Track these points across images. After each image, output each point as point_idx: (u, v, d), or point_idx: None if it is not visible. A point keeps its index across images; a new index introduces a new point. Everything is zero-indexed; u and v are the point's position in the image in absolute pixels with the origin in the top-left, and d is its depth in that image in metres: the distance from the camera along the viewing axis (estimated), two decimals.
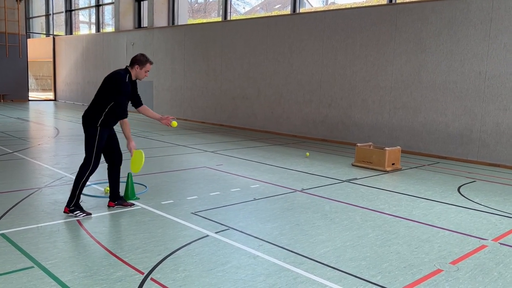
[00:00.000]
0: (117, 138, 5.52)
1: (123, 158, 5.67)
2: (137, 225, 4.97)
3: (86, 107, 5.36)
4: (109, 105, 5.17)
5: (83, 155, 5.27)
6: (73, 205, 5.16)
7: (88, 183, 5.69)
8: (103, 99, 5.19)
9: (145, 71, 5.37)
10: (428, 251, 4.46)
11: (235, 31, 15.07)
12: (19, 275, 3.63)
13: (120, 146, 5.58)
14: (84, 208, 5.30)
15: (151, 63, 5.38)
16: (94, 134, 5.16)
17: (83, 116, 5.29)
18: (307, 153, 9.85)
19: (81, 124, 5.32)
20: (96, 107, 5.20)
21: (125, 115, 5.34)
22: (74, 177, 5.25)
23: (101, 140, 5.21)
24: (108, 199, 5.71)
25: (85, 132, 5.24)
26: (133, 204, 5.71)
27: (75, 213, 5.14)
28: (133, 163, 5.60)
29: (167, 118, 5.49)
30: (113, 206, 5.59)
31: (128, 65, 5.38)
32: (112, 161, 5.51)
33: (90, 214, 5.22)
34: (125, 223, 5.06)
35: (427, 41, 10.41)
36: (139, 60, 5.31)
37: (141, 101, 5.60)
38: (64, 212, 5.18)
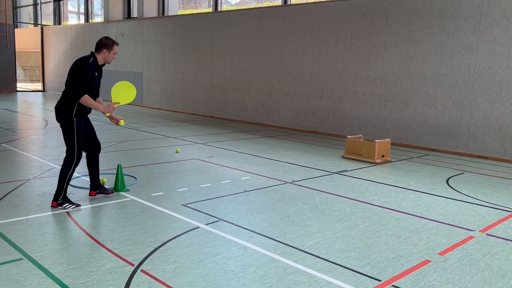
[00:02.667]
0: (93, 127, 5.49)
1: (102, 147, 5.61)
2: (127, 216, 4.95)
3: (58, 99, 5.24)
4: (79, 91, 5.05)
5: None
6: (61, 198, 5.12)
7: (76, 174, 5.66)
8: (73, 88, 5.06)
9: (113, 53, 5.31)
10: (417, 242, 4.51)
11: (226, 22, 14.99)
12: (8, 267, 3.60)
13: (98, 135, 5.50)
14: (73, 200, 5.28)
15: (117, 44, 5.34)
16: (71, 126, 5.09)
17: (56, 108, 5.18)
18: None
19: (55, 117, 5.21)
20: (68, 97, 5.09)
21: (81, 93, 5.02)
22: (58, 175, 5.19)
23: (79, 130, 5.14)
24: (108, 189, 5.73)
25: (61, 125, 5.17)
26: (114, 192, 5.72)
27: (63, 205, 5.11)
28: (123, 99, 5.42)
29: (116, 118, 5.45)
30: (95, 195, 5.59)
31: (93, 50, 5.27)
32: (90, 150, 5.49)
33: (79, 205, 5.20)
34: (115, 215, 5.04)
35: (418, 34, 10.44)
36: (106, 44, 5.23)
37: (99, 92, 5.48)
38: (52, 206, 5.12)
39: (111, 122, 5.67)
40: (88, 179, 6.23)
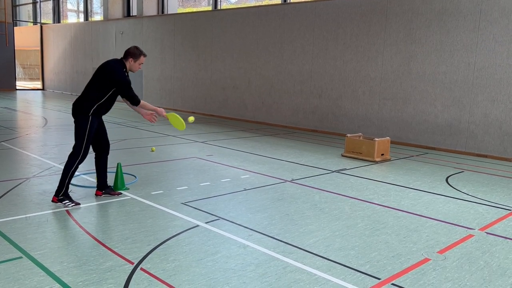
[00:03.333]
0: (105, 127, 5.52)
1: (110, 148, 5.63)
2: (127, 215, 4.95)
3: (78, 96, 5.29)
4: (106, 95, 5.15)
5: (72, 145, 5.23)
6: (62, 194, 5.13)
7: (77, 173, 5.66)
8: (100, 88, 5.13)
9: (139, 63, 5.37)
10: (416, 240, 4.51)
11: (226, 21, 14.97)
12: (7, 265, 3.61)
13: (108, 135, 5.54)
14: (73, 198, 5.28)
15: (144, 55, 5.39)
16: (85, 123, 5.12)
17: (74, 104, 5.22)
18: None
19: (71, 113, 5.26)
20: (91, 96, 5.14)
21: (138, 99, 5.34)
22: (62, 167, 5.21)
23: (92, 129, 5.18)
24: (114, 190, 5.74)
25: (75, 120, 5.20)
26: (121, 193, 5.70)
27: (63, 202, 5.12)
28: (175, 124, 5.52)
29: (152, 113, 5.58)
30: (101, 195, 5.58)
31: (122, 57, 5.36)
32: (100, 149, 5.50)
33: (79, 204, 5.20)
34: (115, 213, 5.04)
35: (417, 32, 10.43)
36: (133, 53, 5.29)
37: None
38: (53, 201, 5.16)
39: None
40: (89, 178, 6.22)
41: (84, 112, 5.12)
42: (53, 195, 5.26)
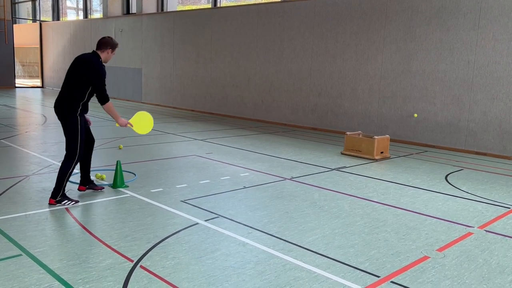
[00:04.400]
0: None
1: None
2: (126, 213, 4.95)
3: (59, 96, 5.15)
4: (87, 92, 5.07)
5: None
6: (60, 196, 5.08)
7: (76, 171, 5.66)
8: (82, 86, 5.03)
9: (113, 54, 5.36)
10: (416, 238, 4.52)
11: (225, 19, 14.95)
12: (7, 263, 3.61)
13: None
14: (72, 197, 5.28)
15: (117, 46, 5.39)
16: (76, 124, 5.05)
17: (59, 106, 5.09)
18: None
19: (56, 114, 5.14)
20: (75, 95, 5.03)
21: (108, 98, 5.20)
22: (58, 173, 5.16)
23: (82, 128, 5.13)
24: (98, 185, 5.74)
25: (64, 123, 5.10)
26: (103, 188, 5.73)
27: (63, 203, 5.08)
28: (139, 128, 5.48)
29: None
30: (84, 190, 5.60)
31: (95, 49, 5.24)
32: (87, 145, 5.47)
33: (78, 201, 5.19)
34: (114, 211, 5.04)
35: (417, 30, 10.43)
36: (112, 44, 5.24)
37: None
38: (50, 203, 5.07)
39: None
40: (93, 177, 6.23)
41: (72, 113, 5.03)
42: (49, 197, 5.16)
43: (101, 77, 5.07)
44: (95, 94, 5.16)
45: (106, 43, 5.21)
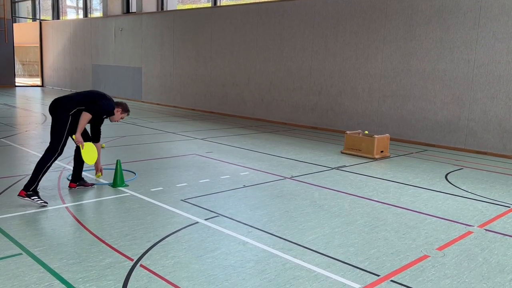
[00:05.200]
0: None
1: (110, 144, 5.63)
2: (126, 212, 4.96)
3: (63, 97, 5.34)
4: (86, 109, 5.29)
5: (70, 142, 5.22)
6: (32, 189, 4.99)
7: (68, 166, 5.68)
8: (86, 103, 5.30)
9: (121, 118, 5.74)
10: (415, 237, 4.52)
11: (225, 17, 14.95)
12: (7, 262, 3.61)
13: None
14: (71, 195, 5.28)
15: (128, 114, 5.81)
16: (65, 121, 5.17)
17: (55, 101, 5.23)
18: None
19: (49, 109, 5.25)
20: (75, 101, 5.27)
21: (91, 114, 5.38)
22: (61, 164, 5.20)
23: (71, 128, 5.23)
24: (88, 182, 5.83)
25: (55, 117, 5.18)
26: (94, 185, 5.81)
27: (32, 198, 4.97)
28: (85, 155, 5.46)
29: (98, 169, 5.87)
30: (75, 187, 5.68)
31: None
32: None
33: (47, 203, 5.03)
34: (114, 210, 5.05)
35: (417, 29, 10.42)
36: (125, 108, 5.70)
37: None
38: (19, 195, 4.97)
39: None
40: (89, 175, 6.22)
41: (66, 111, 5.16)
42: (22, 189, 5.05)
43: (99, 109, 5.39)
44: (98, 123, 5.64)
45: (119, 104, 5.68)
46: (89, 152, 5.47)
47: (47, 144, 5.21)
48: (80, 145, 5.33)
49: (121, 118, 5.74)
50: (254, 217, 4.95)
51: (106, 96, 5.57)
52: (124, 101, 5.83)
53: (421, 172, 7.57)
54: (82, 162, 5.65)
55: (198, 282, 3.40)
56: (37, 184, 5.06)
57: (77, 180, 5.73)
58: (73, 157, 5.79)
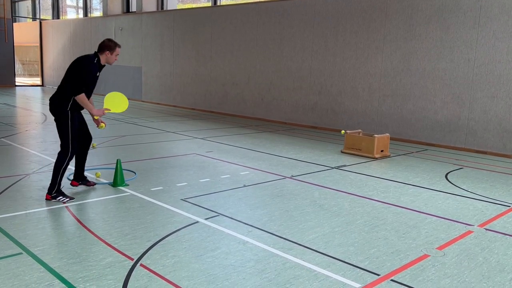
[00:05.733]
0: (85, 120, 5.59)
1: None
2: (127, 211, 4.96)
3: (54, 92, 5.30)
4: (75, 90, 5.14)
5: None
6: (55, 191, 5.15)
7: (70, 167, 5.68)
8: (71, 83, 5.14)
9: (115, 55, 5.41)
10: (416, 236, 4.52)
11: (225, 17, 14.94)
12: (7, 261, 3.61)
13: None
14: (72, 195, 5.29)
15: (119, 46, 5.45)
16: (66, 119, 5.16)
17: (51, 101, 5.23)
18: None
19: (49, 109, 5.26)
20: (64, 91, 5.16)
21: (80, 92, 5.16)
22: (53, 169, 5.19)
23: (74, 124, 5.22)
24: (90, 181, 5.83)
25: (56, 118, 5.22)
26: (95, 184, 5.82)
27: (58, 199, 5.15)
28: (115, 108, 5.47)
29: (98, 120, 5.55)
30: (77, 186, 5.69)
31: (96, 51, 5.37)
32: (83, 142, 5.56)
33: (73, 198, 5.24)
34: (114, 210, 5.05)
35: (417, 28, 10.42)
36: (108, 46, 5.33)
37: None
38: (46, 199, 5.17)
39: (109, 117, 5.70)
40: (89, 174, 6.22)
41: (62, 109, 5.15)
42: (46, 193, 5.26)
43: (82, 72, 5.14)
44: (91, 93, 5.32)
45: (102, 46, 5.33)
46: (115, 103, 5.44)
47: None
48: (106, 111, 5.35)
49: (116, 56, 5.40)
50: (254, 216, 4.95)
51: (82, 61, 5.19)
52: (106, 41, 5.36)
53: (421, 171, 7.57)
54: (84, 160, 5.66)
55: (198, 281, 3.40)
56: (59, 185, 5.17)
57: (79, 179, 5.73)
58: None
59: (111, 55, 5.35)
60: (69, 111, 5.16)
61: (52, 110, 5.23)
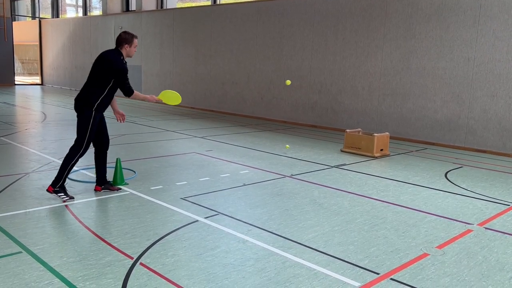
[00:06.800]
0: (105, 122, 5.52)
1: (110, 142, 5.64)
2: (126, 210, 4.96)
3: (80, 91, 5.29)
4: (108, 87, 5.16)
5: (71, 140, 5.24)
6: (58, 186, 5.13)
7: (75, 168, 5.67)
8: (101, 81, 5.14)
9: (134, 46, 5.39)
10: (415, 235, 4.52)
11: (225, 16, 14.93)
12: (7, 260, 3.61)
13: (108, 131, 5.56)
14: (72, 193, 5.29)
15: (136, 37, 5.42)
16: (88, 118, 5.14)
17: (77, 99, 5.22)
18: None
19: (74, 108, 5.26)
20: (93, 89, 5.16)
21: (132, 90, 5.29)
22: (61, 162, 5.20)
23: (94, 124, 5.21)
24: (114, 186, 5.76)
25: (79, 115, 5.20)
26: (120, 189, 5.70)
27: (59, 194, 5.13)
28: (169, 100, 5.57)
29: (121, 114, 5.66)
30: (100, 191, 5.58)
31: (116, 46, 5.34)
32: (100, 145, 5.51)
33: (73, 198, 5.20)
34: (114, 209, 5.05)
35: (417, 27, 10.41)
36: (126, 39, 5.30)
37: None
38: (48, 190, 5.14)
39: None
40: (88, 173, 6.22)
41: (88, 107, 5.14)
42: (49, 184, 5.23)
43: (122, 72, 5.18)
44: (118, 89, 5.32)
45: (120, 40, 5.32)
46: (170, 98, 5.52)
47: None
48: (158, 100, 5.46)
49: (135, 47, 5.38)
50: (254, 215, 4.95)
51: (111, 57, 5.20)
52: (123, 34, 5.35)
53: (420, 170, 7.57)
54: (104, 163, 5.55)
55: (198, 280, 3.41)
56: (64, 180, 5.15)
57: (102, 183, 5.59)
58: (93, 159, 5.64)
59: (130, 48, 5.33)
60: (94, 111, 5.15)
61: (77, 107, 5.21)
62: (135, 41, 5.36)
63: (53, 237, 4.14)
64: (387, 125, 11.10)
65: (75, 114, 5.28)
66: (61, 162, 5.23)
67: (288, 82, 5.78)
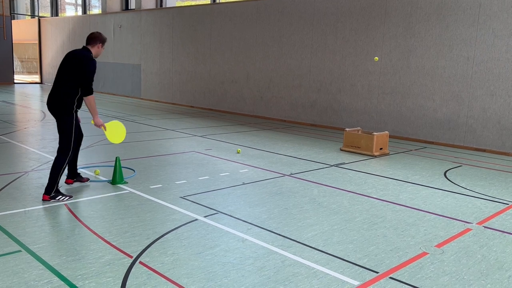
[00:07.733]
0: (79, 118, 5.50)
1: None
2: (126, 209, 4.96)
3: (51, 93, 5.15)
4: (80, 86, 5.11)
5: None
6: (54, 192, 5.09)
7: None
8: (74, 81, 5.05)
9: (103, 48, 5.40)
10: (414, 234, 4.53)
11: (224, 15, 14.92)
12: (6, 259, 3.61)
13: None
14: (69, 192, 5.29)
15: (106, 40, 5.45)
16: (71, 124, 5.10)
17: (51, 103, 5.11)
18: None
19: (49, 111, 5.15)
20: (66, 90, 5.06)
21: (92, 92, 5.20)
22: (51, 169, 5.16)
23: (77, 125, 5.22)
24: (84, 177, 5.86)
25: (59, 120, 5.12)
26: (89, 179, 5.85)
27: (57, 198, 5.09)
28: (110, 136, 5.53)
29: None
30: (72, 183, 5.69)
31: (85, 44, 5.29)
32: (76, 142, 5.47)
33: (71, 196, 5.22)
34: (113, 207, 5.05)
35: (417, 26, 10.41)
36: (101, 39, 5.29)
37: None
38: (43, 200, 5.06)
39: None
40: (87, 171, 6.22)
41: (68, 112, 5.07)
42: (43, 193, 5.14)
43: (91, 71, 5.11)
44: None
45: (95, 38, 5.26)
46: (114, 131, 5.45)
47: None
48: (103, 128, 5.36)
49: (103, 49, 5.40)
50: (253, 214, 4.95)
51: (87, 58, 5.10)
52: (97, 33, 5.32)
53: (420, 169, 7.58)
54: (76, 158, 5.65)
55: (197, 279, 3.41)
56: (57, 185, 5.12)
57: (73, 176, 5.72)
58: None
59: (101, 48, 5.30)
60: (75, 113, 5.13)
61: (56, 112, 5.11)
62: (105, 43, 5.42)
63: (52, 236, 4.14)
64: (386, 124, 11.10)
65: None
66: (53, 161, 5.20)
67: (376, 58, 5.82)
